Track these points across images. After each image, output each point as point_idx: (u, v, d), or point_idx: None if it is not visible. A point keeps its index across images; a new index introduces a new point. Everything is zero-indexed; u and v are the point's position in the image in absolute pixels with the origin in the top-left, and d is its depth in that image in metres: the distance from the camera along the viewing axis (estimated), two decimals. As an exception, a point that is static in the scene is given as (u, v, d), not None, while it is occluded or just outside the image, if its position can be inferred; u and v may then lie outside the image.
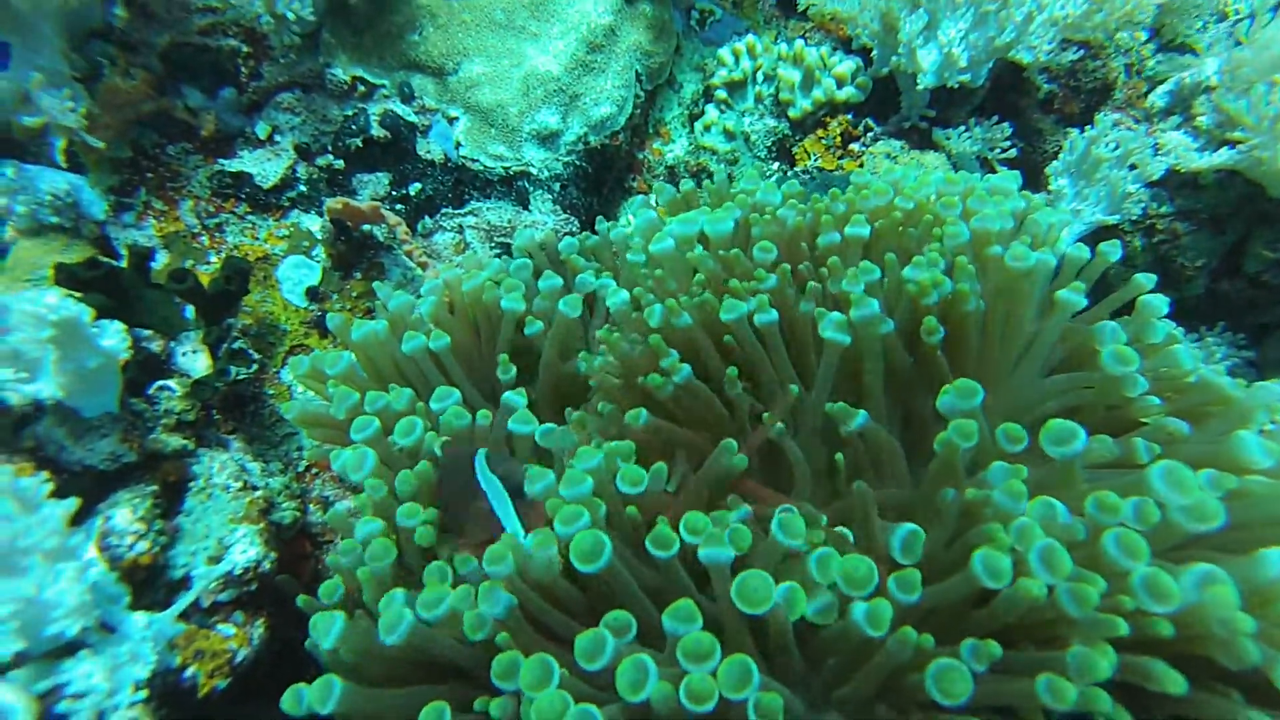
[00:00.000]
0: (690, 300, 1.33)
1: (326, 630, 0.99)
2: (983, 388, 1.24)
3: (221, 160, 1.83)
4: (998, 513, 0.88)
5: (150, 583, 1.09)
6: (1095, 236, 2.18)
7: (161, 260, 1.70)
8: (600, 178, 2.18)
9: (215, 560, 1.11)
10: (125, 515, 1.07)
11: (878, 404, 1.22)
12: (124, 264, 1.36)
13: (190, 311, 1.41)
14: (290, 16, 1.68)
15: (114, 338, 1.14)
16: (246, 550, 1.14)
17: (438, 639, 0.97)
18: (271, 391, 1.64)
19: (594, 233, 1.84)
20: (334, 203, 1.72)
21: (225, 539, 1.13)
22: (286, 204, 1.85)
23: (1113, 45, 2.36)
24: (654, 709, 0.84)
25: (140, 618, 0.97)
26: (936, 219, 1.35)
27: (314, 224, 1.86)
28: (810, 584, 0.88)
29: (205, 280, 1.44)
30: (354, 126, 1.94)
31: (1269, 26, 1.99)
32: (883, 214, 1.35)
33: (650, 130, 2.34)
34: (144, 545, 1.07)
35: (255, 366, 1.52)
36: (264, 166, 1.83)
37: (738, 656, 0.83)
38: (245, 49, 1.82)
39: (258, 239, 1.82)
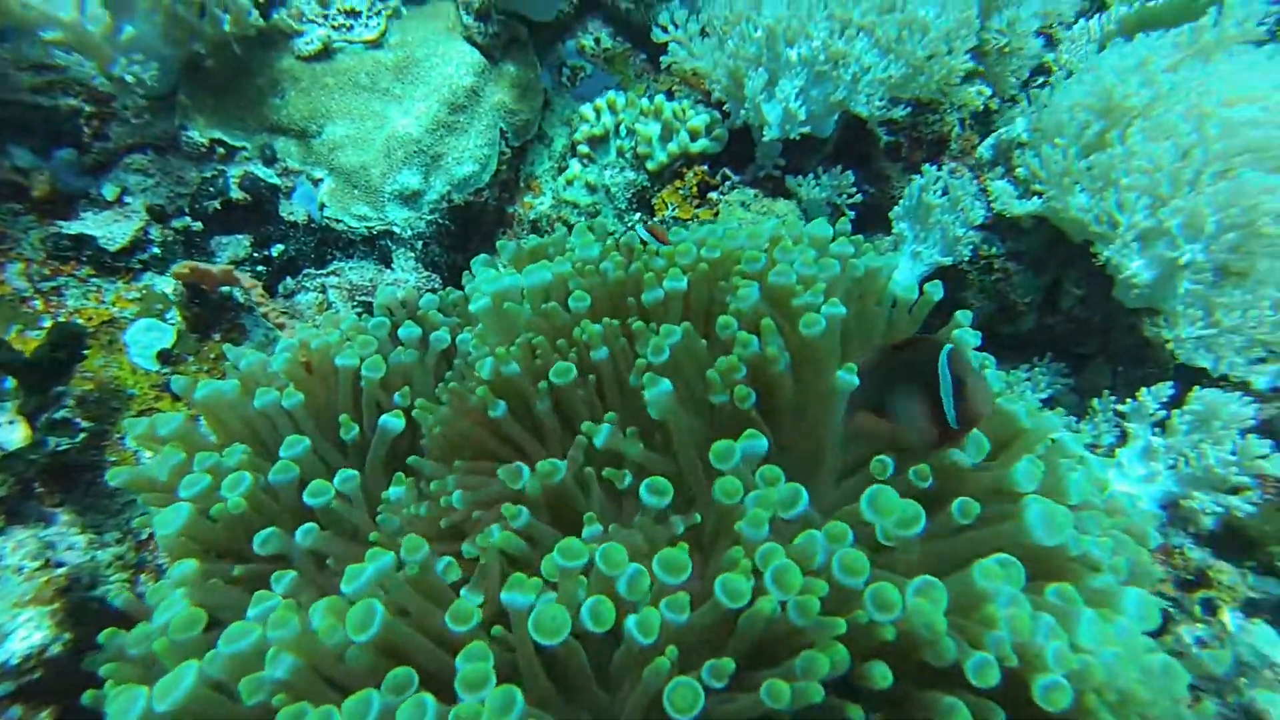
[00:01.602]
0: (515, 350, 1.39)
1: (127, 709, 0.97)
2: (804, 434, 1.32)
3: (60, 222, 1.80)
4: (743, 540, 0.96)
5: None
6: (942, 275, 2.36)
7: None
8: (466, 234, 2.24)
9: (-10, 651, 1.07)
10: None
11: (692, 466, 1.25)
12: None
13: (10, 382, 1.39)
14: (130, 80, 1.70)
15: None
16: (30, 635, 1.10)
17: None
18: (114, 458, 1.61)
19: (459, 288, 1.89)
20: (180, 267, 1.73)
21: (5, 626, 1.09)
22: (138, 266, 1.84)
23: (948, 102, 2.57)
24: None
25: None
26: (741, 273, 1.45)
27: (168, 286, 1.86)
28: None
29: (30, 347, 1.42)
30: (212, 189, 1.96)
31: (1058, 91, 2.22)
32: (692, 269, 1.45)
33: (521, 184, 2.42)
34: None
35: (83, 435, 1.50)
36: (110, 228, 1.83)
37: (505, 686, 0.89)
38: (89, 109, 1.81)
39: (104, 302, 1.80)
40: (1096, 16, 2.93)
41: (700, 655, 0.93)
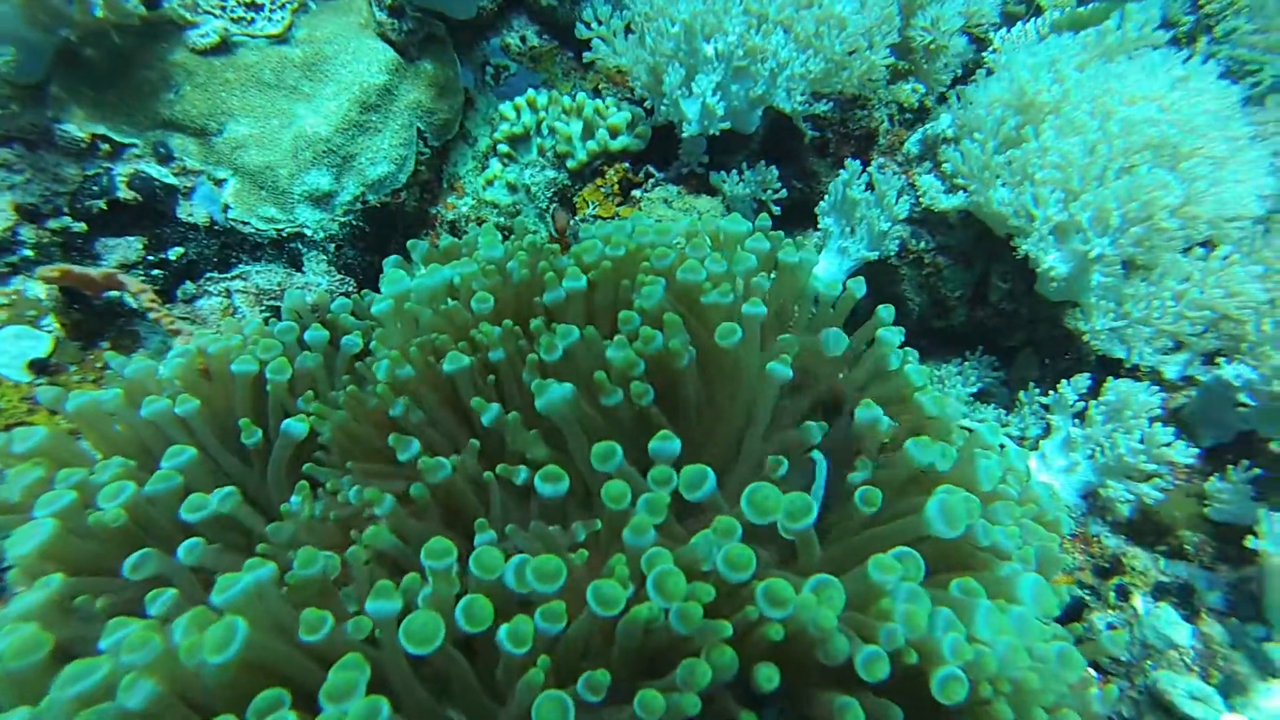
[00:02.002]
0: (413, 351, 1.32)
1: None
2: (714, 432, 1.28)
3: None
4: (625, 548, 0.90)
5: None
6: (874, 271, 2.35)
7: None
8: (383, 236, 2.15)
9: None
10: None
11: (585, 463, 1.18)
12: None
13: None
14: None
15: None
16: None
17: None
18: (-24, 480, 1.48)
19: (377, 291, 1.80)
20: (49, 270, 1.61)
21: None
22: (5, 270, 1.71)
23: (876, 97, 2.58)
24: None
25: None
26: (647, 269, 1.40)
27: (43, 290, 1.73)
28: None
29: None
30: (95, 187, 1.83)
31: (978, 88, 2.24)
32: (595, 267, 1.40)
33: (445, 185, 2.35)
34: None
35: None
36: (-30, 229, 1.69)
37: (372, 697, 0.82)
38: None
39: (-38, 310, 1.66)
40: (1034, 20, 2.99)
41: (588, 667, 0.88)
